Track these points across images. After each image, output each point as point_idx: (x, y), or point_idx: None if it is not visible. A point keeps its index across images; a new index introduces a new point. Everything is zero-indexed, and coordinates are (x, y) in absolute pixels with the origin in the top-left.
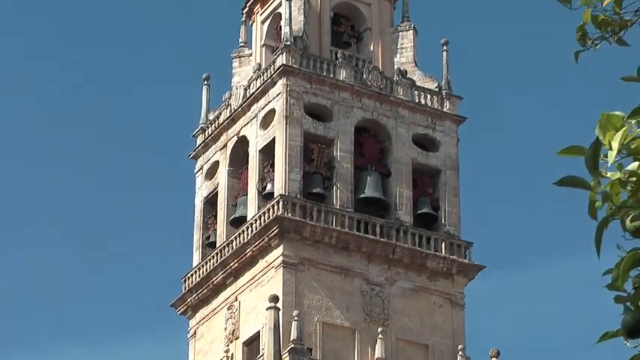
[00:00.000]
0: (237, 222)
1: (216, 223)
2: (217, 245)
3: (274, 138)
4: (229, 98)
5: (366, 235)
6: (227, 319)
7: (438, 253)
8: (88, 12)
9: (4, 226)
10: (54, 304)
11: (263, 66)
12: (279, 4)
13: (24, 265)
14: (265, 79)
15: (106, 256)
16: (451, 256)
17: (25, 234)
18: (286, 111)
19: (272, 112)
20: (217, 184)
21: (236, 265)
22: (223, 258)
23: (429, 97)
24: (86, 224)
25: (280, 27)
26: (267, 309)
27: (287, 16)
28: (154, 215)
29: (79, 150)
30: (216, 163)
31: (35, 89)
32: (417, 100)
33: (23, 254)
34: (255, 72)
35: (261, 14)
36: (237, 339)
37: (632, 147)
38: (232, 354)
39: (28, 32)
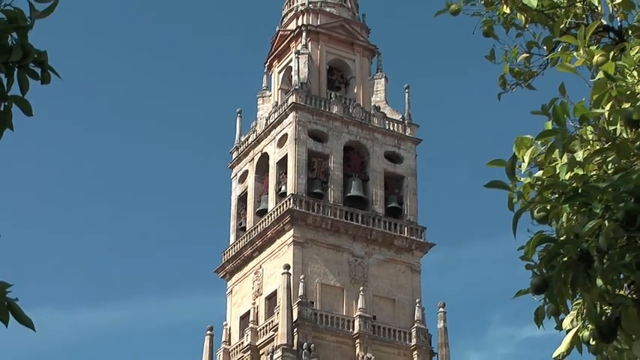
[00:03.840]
0: (261, 213)
1: (246, 213)
2: (247, 229)
3: (287, 154)
4: (255, 126)
5: (352, 222)
6: (254, 281)
7: (402, 235)
8: (165, 63)
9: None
10: (134, 267)
11: (279, 103)
12: (291, 60)
13: (124, 241)
14: (281, 112)
15: (169, 239)
16: (411, 237)
17: (132, 221)
18: (295, 135)
19: (285, 135)
20: (247, 186)
21: (260, 243)
22: (251, 238)
23: (395, 125)
24: (159, 218)
25: (291, 76)
26: (282, 274)
27: (296, 68)
28: (203, 209)
29: (156, 161)
30: (246, 172)
31: (123, 123)
32: (387, 127)
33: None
34: (273, 107)
35: (278, 67)
36: (261, 295)
37: (538, 160)
38: (257, 306)
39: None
